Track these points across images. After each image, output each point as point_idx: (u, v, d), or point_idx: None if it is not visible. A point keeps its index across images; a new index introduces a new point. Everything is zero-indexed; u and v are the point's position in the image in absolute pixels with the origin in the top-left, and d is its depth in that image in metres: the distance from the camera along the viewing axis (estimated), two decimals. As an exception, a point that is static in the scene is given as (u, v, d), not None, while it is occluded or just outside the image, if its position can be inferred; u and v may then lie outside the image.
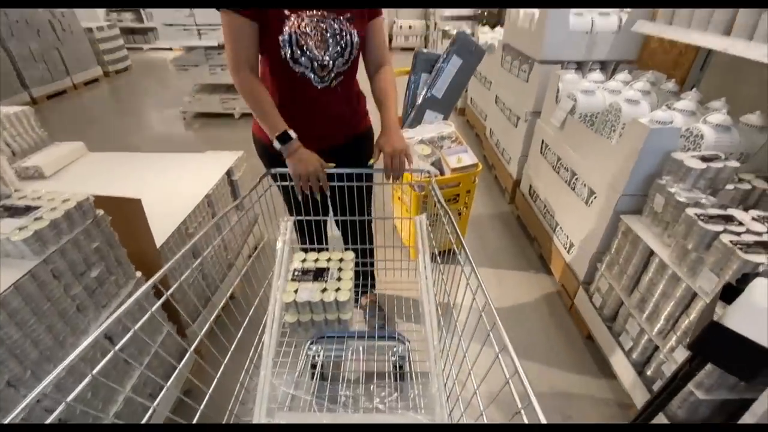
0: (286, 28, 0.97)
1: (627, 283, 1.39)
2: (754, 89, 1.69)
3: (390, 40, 7.50)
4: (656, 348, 1.25)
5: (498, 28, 3.69)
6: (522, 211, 2.34)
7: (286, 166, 1.05)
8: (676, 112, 1.47)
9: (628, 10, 2.05)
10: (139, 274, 1.19)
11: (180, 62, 3.97)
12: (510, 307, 1.82)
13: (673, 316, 1.19)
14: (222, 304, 1.51)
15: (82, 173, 1.77)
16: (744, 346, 0.57)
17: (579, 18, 1.99)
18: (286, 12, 0.97)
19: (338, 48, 1.04)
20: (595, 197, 1.57)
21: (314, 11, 0.99)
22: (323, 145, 1.16)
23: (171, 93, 4.95)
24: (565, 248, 1.80)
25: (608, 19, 2.01)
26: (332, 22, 1.01)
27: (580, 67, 2.13)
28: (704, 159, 1.24)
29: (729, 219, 1.11)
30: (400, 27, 7.28)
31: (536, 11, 2.17)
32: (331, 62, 1.04)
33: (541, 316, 1.77)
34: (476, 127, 3.65)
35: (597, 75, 1.89)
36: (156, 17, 3.78)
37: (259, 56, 1.05)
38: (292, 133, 1.01)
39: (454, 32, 4.30)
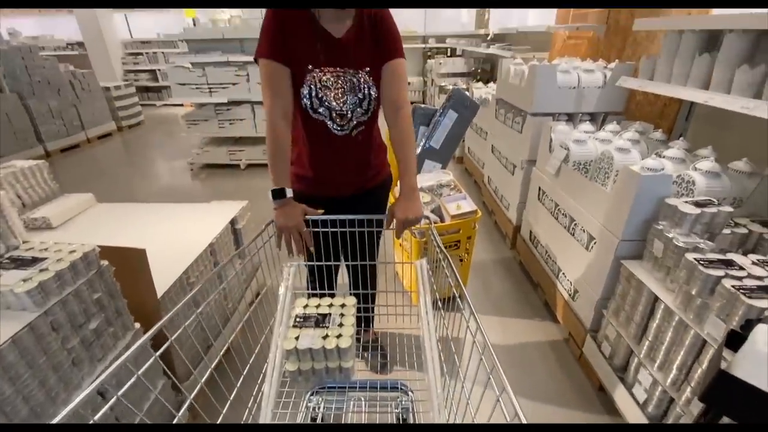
0: (308, 80, 1.05)
1: (635, 331, 1.36)
2: (737, 137, 1.76)
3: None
4: (672, 400, 1.20)
5: (491, 84, 3.92)
6: (524, 257, 2.34)
7: (308, 204, 1.12)
8: (666, 160, 1.53)
9: (612, 66, 2.20)
10: (137, 325, 1.18)
11: (191, 117, 4.18)
12: (516, 356, 1.76)
13: (685, 365, 1.15)
14: (222, 352, 1.47)
15: (89, 223, 1.80)
16: (754, 395, 0.55)
17: (566, 75, 2.13)
18: (309, 66, 1.05)
19: (356, 99, 1.09)
20: (594, 243, 1.58)
21: (336, 67, 1.07)
22: (342, 191, 1.22)
23: (180, 146, 5.15)
24: (569, 294, 1.78)
25: (593, 75, 2.15)
26: (351, 76, 1.08)
27: (571, 118, 2.24)
28: (698, 204, 1.27)
29: (729, 264, 1.11)
30: (399, 83, 7.70)
31: (525, 70, 2.32)
32: (349, 112, 1.10)
33: (549, 365, 1.71)
34: (474, 175, 3.75)
35: (587, 126, 1.98)
36: (170, 77, 4.03)
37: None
38: (288, 192, 1.05)
39: (450, 88, 4.55)
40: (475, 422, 0.64)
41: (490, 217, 3.00)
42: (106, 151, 5.21)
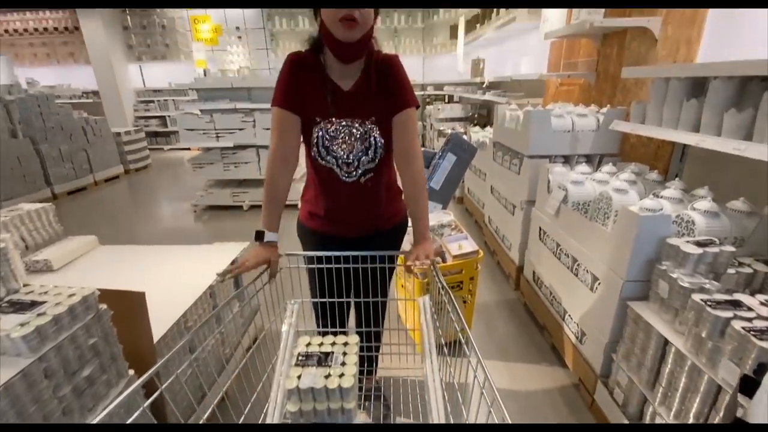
0: (315, 130, 1.10)
1: (647, 376, 1.31)
2: (733, 177, 1.79)
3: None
4: (692, 453, 1.13)
5: (488, 128, 4.06)
6: (528, 298, 2.30)
7: (323, 240, 1.16)
8: (664, 200, 1.55)
9: (604, 110, 2.29)
10: (131, 372, 1.14)
11: (197, 161, 4.29)
12: (525, 403, 1.68)
13: (702, 413, 1.09)
14: (216, 401, 1.40)
15: (90, 266, 1.80)
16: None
17: (560, 119, 2.21)
18: (317, 118, 1.10)
19: (363, 148, 1.12)
20: (599, 283, 1.56)
21: (343, 118, 1.10)
22: (352, 233, 1.23)
23: (185, 188, 5.25)
24: (577, 337, 1.73)
25: (587, 119, 2.23)
26: (358, 126, 1.11)
27: (567, 160, 2.29)
28: (699, 244, 1.27)
29: (737, 304, 1.09)
30: (400, 127, 7.98)
31: (520, 114, 2.42)
32: (356, 161, 1.12)
33: (560, 413, 1.62)
34: (475, 215, 3.78)
35: (584, 167, 2.02)
36: (180, 123, 4.19)
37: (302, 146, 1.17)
38: (268, 236, 1.10)
39: (449, 131, 4.68)
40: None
41: (493, 257, 2.98)
42: (112, 194, 5.30)
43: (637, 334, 1.35)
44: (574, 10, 2.47)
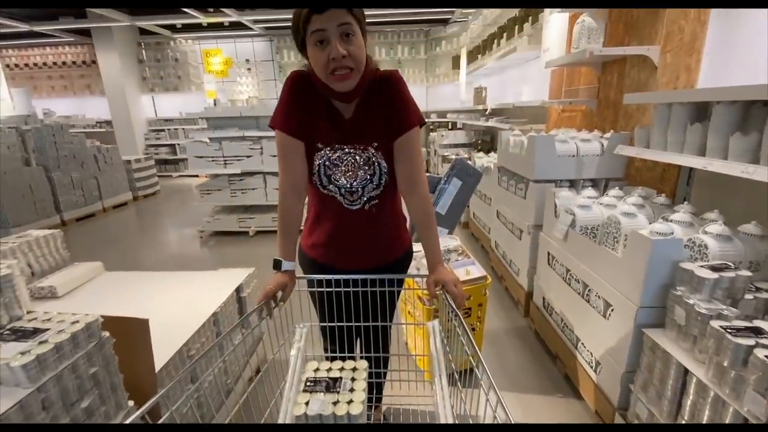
0: (317, 158, 1.06)
1: (668, 409, 1.25)
2: (742, 200, 1.77)
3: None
4: (722, 494, 1.05)
5: (492, 153, 4.09)
6: (539, 325, 2.24)
7: (324, 272, 1.13)
8: (674, 224, 1.52)
9: (607, 135, 2.30)
10: (131, 403, 1.11)
11: (204, 188, 4.35)
12: (539, 439, 1.60)
13: (730, 451, 1.03)
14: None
15: (94, 292, 1.79)
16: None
17: (564, 144, 2.22)
18: (319, 145, 1.06)
19: (367, 176, 1.07)
20: (612, 310, 1.51)
21: (345, 144, 1.06)
22: (359, 264, 1.17)
23: (192, 214, 5.29)
24: (591, 367, 1.67)
25: (591, 144, 2.24)
26: (361, 153, 1.06)
27: (573, 184, 2.29)
28: (714, 269, 1.24)
29: (758, 331, 1.05)
30: (404, 153, 8.10)
31: (524, 140, 2.44)
32: (360, 188, 1.08)
33: (577, 451, 1.54)
34: (481, 239, 3.75)
35: (590, 191, 2.02)
36: (189, 150, 4.28)
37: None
38: (285, 265, 1.08)
39: (453, 157, 4.73)
40: None
41: (500, 282, 2.93)
42: (120, 220, 5.36)
43: (655, 364, 1.29)
44: (574, 40, 2.54)
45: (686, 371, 1.18)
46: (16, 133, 4.49)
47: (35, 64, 8.48)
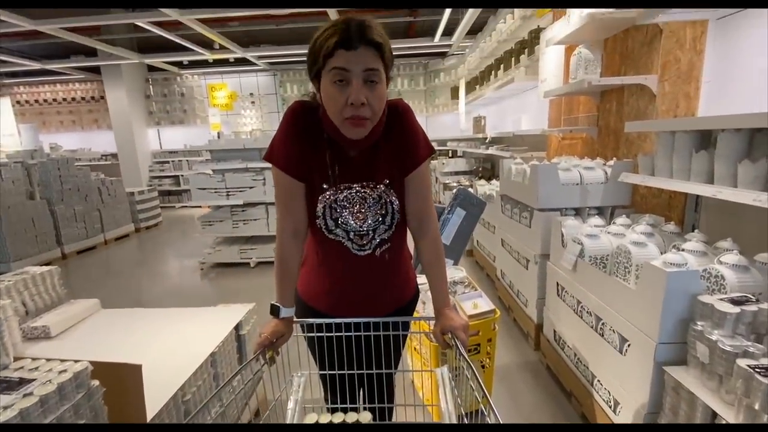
0: (321, 200, 0.95)
1: (697, 455, 1.16)
2: (755, 228, 1.73)
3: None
4: None
5: (494, 181, 4.09)
6: (551, 360, 2.14)
7: (321, 315, 1.05)
8: (687, 254, 1.48)
9: (611, 163, 2.29)
10: (120, 456, 1.03)
11: (206, 219, 4.34)
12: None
13: (772, 506, 0.94)
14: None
15: (89, 332, 1.73)
16: None
17: (567, 173, 2.21)
18: (324, 185, 0.95)
19: (378, 216, 0.97)
20: (629, 345, 1.44)
21: (353, 183, 0.96)
22: (365, 313, 1.06)
23: (193, 246, 5.26)
24: (610, 407, 1.57)
25: (594, 172, 2.23)
26: (371, 190, 0.97)
27: (578, 212, 2.26)
28: (735, 302, 1.18)
29: (791, 371, 0.98)
30: (406, 181, 8.16)
31: (526, 168, 2.43)
32: (371, 231, 0.98)
33: (601, 501, 1.42)
34: (486, 268, 3.68)
35: (597, 220, 1.98)
36: (192, 182, 4.31)
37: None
38: (283, 312, 1.01)
39: (454, 185, 4.74)
40: None
41: (508, 314, 2.84)
42: (121, 253, 5.32)
43: (680, 405, 1.21)
44: (572, 70, 2.58)
45: (714, 414, 1.10)
46: (21, 168, 4.54)
47: (45, 100, 8.73)
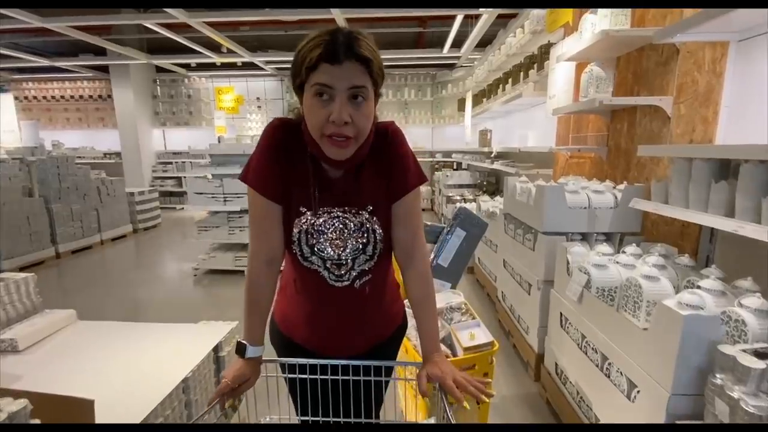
0: (297, 224, 0.88)
1: None
2: (776, 265, 1.61)
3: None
4: None
5: (497, 197, 3.98)
6: (551, 394, 2.01)
7: (302, 355, 0.95)
8: (704, 292, 1.35)
9: (621, 187, 2.18)
10: (65, 502, 0.92)
11: (202, 224, 4.27)
12: None
13: None
14: None
15: (59, 347, 1.63)
16: None
17: (575, 195, 2.10)
18: (301, 209, 0.88)
19: (359, 245, 0.89)
20: (638, 392, 1.32)
21: (333, 207, 0.89)
22: (343, 351, 0.98)
23: (189, 250, 5.17)
24: (614, 455, 1.44)
25: (603, 196, 2.12)
26: (353, 216, 0.89)
27: (585, 237, 2.14)
28: (759, 354, 1.06)
29: (828, 444, 0.86)
30: (409, 191, 8.06)
31: (532, 188, 2.32)
32: (349, 260, 0.89)
33: None
34: (487, 287, 3.56)
35: (605, 247, 1.86)
36: (189, 186, 4.24)
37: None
38: (249, 351, 0.89)
39: (458, 198, 4.63)
40: None
41: (508, 338, 2.71)
42: (115, 254, 5.25)
43: (695, 467, 1.09)
44: (582, 89, 2.48)
45: (735, 482, 0.97)
46: (19, 165, 4.49)
47: (53, 97, 8.76)
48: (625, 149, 2.54)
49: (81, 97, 8.74)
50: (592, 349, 1.61)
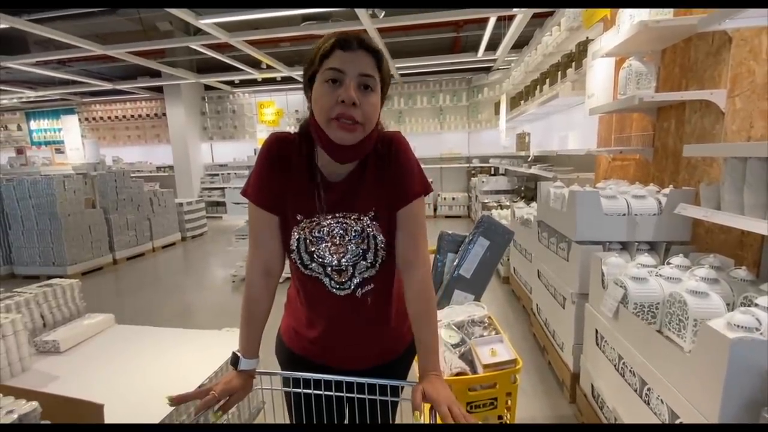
0: (296, 231, 0.88)
1: None
2: None
3: (435, 210, 8.08)
4: None
5: (534, 204, 3.79)
6: (587, 419, 1.84)
7: (305, 368, 0.93)
8: (760, 311, 1.17)
9: (666, 191, 1.98)
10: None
11: (240, 233, 4.44)
12: None
13: None
14: None
15: (95, 349, 1.75)
16: None
17: (613, 201, 1.93)
18: (299, 216, 0.88)
19: (359, 251, 0.88)
20: (680, 422, 1.16)
21: (333, 213, 0.88)
22: (348, 365, 0.96)
23: (232, 256, 5.39)
24: (655, 494, 1.28)
25: (645, 201, 1.93)
26: (353, 223, 0.88)
27: (625, 247, 1.96)
28: (830, 388, 0.89)
29: None
30: (444, 198, 7.92)
31: (566, 194, 2.18)
32: (350, 267, 0.88)
33: None
34: (522, 299, 3.37)
35: (647, 258, 1.69)
36: (228, 196, 4.46)
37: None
38: (242, 363, 0.89)
39: (494, 206, 4.46)
40: None
41: (543, 355, 2.54)
42: (164, 260, 5.60)
43: None
44: (620, 86, 2.30)
45: None
46: (83, 179, 4.96)
47: (116, 117, 9.65)
48: (673, 149, 2.31)
49: (139, 116, 9.53)
50: (630, 371, 1.45)
